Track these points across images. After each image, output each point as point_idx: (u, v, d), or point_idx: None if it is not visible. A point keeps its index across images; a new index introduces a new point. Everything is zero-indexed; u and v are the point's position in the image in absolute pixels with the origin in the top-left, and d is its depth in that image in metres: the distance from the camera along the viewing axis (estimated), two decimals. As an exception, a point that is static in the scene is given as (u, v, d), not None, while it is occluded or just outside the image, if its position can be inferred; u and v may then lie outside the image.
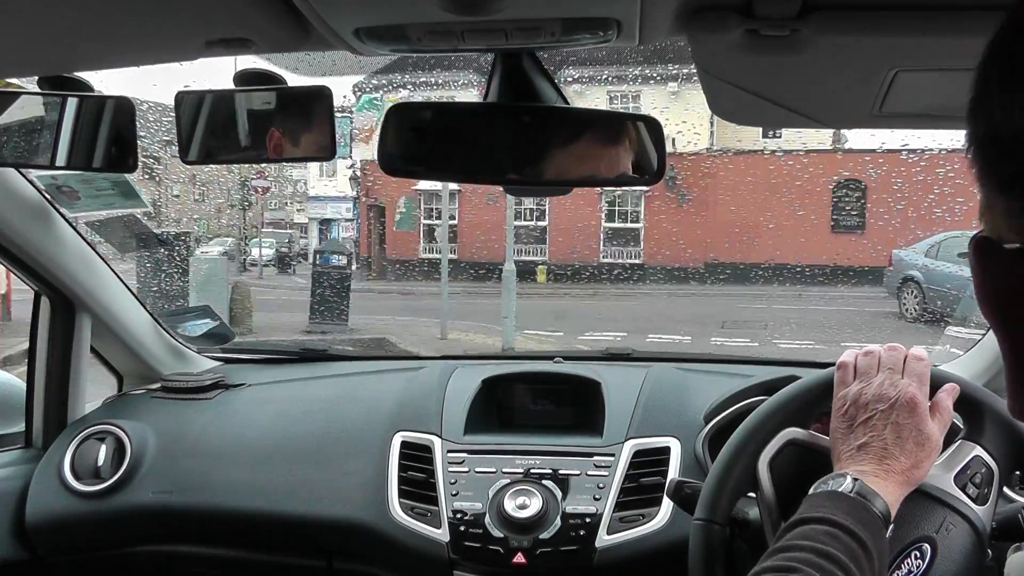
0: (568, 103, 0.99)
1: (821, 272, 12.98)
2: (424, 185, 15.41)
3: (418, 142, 1.00)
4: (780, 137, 14.75)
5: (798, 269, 13.15)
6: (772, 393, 1.19)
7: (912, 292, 9.46)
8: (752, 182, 14.83)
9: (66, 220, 1.64)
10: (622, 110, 1.01)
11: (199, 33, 0.84)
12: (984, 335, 1.72)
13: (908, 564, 1.01)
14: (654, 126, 0.98)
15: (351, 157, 16.93)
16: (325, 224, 20.57)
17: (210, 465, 1.65)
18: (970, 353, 1.75)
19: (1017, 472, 1.15)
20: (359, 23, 0.79)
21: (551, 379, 1.75)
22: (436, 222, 16.41)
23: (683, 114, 13.46)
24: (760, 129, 13.16)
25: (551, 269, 15.76)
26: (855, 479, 0.95)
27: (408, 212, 16.90)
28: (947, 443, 1.12)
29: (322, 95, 1.06)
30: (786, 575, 0.83)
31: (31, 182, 1.56)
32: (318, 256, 10.74)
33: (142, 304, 1.90)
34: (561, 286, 15.14)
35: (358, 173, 17.68)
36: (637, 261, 16.03)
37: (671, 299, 13.77)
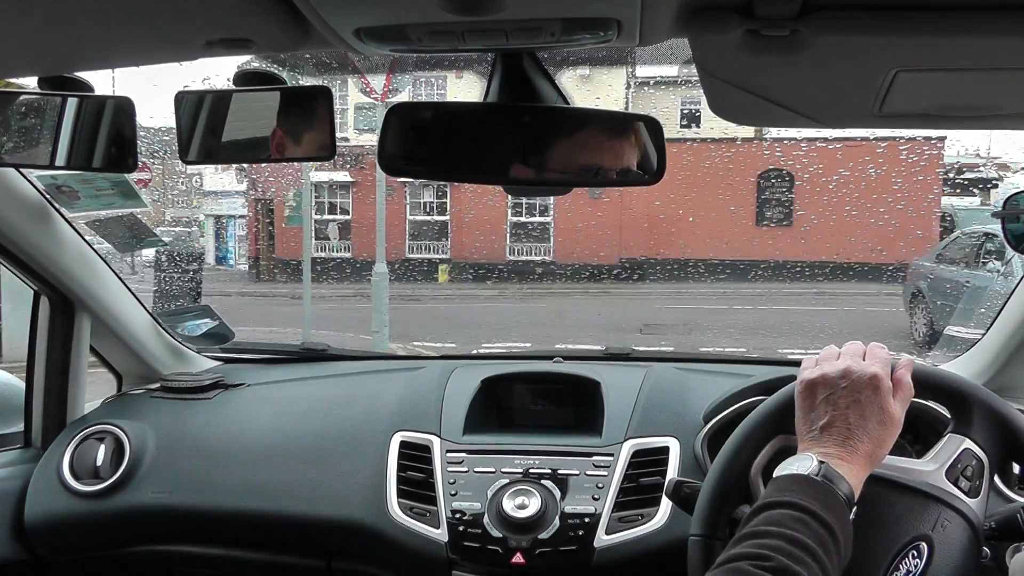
0: (568, 103, 0.99)
1: (746, 268, 12.16)
2: (315, 176, 14.11)
3: (418, 142, 1.00)
4: (700, 127, 13.98)
5: (721, 265, 12.28)
6: (771, 393, 1.19)
7: (921, 309, 8.25)
8: (670, 173, 14.10)
9: (66, 220, 1.64)
10: (624, 109, 1.01)
11: (199, 33, 0.84)
12: (984, 335, 1.73)
13: (906, 564, 1.01)
14: (654, 125, 0.98)
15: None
16: (220, 221, 18.54)
17: (209, 465, 1.65)
18: (969, 353, 1.75)
19: (1010, 463, 1.15)
20: (359, 23, 0.79)
21: (550, 379, 1.75)
22: (329, 217, 15.04)
23: (594, 100, 11.82)
24: (678, 118, 12.64)
25: (454, 268, 14.59)
26: (821, 462, 0.95)
27: (299, 206, 14.94)
28: (935, 438, 1.13)
29: (323, 94, 1.06)
30: (758, 563, 0.84)
31: (31, 182, 1.56)
32: (162, 257, 8.46)
33: (142, 304, 1.90)
34: (465, 286, 14.02)
35: (244, 164, 15.26)
36: (547, 258, 14.75)
37: (584, 299, 12.76)
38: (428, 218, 15.37)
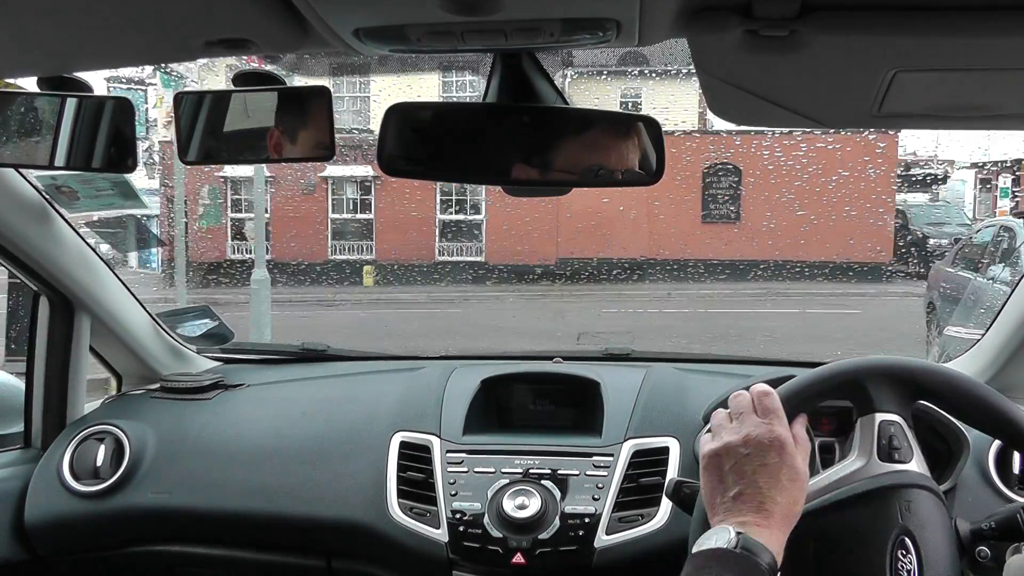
0: (568, 103, 0.99)
1: (692, 267, 11.59)
2: (229, 171, 13.01)
3: (418, 142, 1.00)
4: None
5: (665, 264, 11.65)
6: None
7: (934, 321, 7.39)
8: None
9: (65, 220, 1.64)
10: (624, 110, 1.01)
11: (199, 33, 0.84)
12: (984, 335, 1.72)
13: (902, 566, 1.01)
14: (653, 126, 0.98)
15: (147, 138, 12.61)
16: (140, 221, 17.93)
17: (209, 465, 1.65)
18: (970, 353, 1.75)
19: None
20: (359, 23, 0.79)
21: (550, 379, 1.75)
22: (245, 216, 13.57)
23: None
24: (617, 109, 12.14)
25: (380, 270, 13.58)
26: (738, 532, 0.92)
27: (213, 204, 13.86)
28: (847, 429, 1.12)
29: (321, 94, 1.07)
30: None
31: (31, 182, 1.56)
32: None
33: (141, 304, 1.90)
34: (391, 290, 13.11)
35: (155, 157, 13.42)
36: (479, 259, 13.85)
37: (518, 303, 11.85)
38: (352, 216, 14.24)
